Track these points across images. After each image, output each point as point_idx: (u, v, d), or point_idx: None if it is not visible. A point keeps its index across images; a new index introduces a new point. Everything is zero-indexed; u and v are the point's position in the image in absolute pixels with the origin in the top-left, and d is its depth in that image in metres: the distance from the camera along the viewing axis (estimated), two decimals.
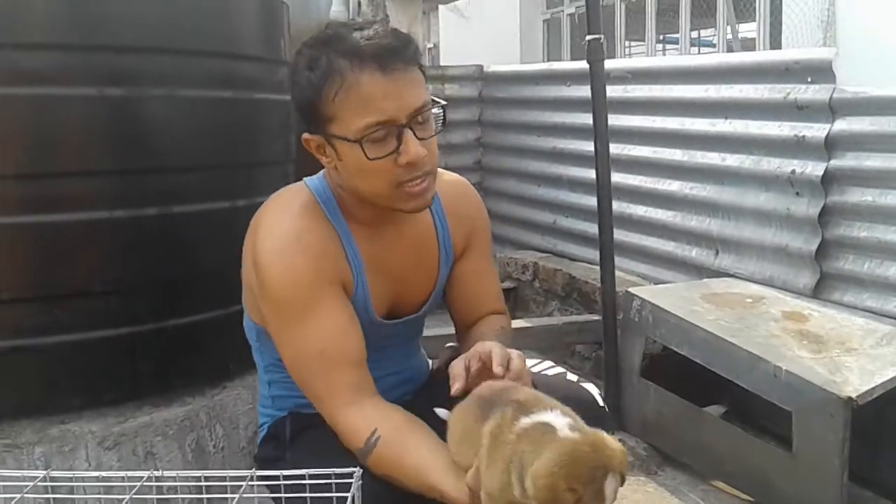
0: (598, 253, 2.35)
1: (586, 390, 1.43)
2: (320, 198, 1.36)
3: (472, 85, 4.01)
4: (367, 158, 1.23)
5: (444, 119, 1.33)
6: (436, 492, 1.17)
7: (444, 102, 1.31)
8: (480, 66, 3.99)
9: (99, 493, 1.04)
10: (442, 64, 6.53)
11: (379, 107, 1.22)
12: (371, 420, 1.25)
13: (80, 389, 1.86)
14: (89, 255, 1.84)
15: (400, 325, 1.49)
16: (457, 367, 1.28)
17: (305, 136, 1.30)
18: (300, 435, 1.41)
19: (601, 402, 1.43)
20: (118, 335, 1.87)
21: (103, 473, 1.03)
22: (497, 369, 1.21)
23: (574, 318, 2.91)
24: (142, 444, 1.86)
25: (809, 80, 2.29)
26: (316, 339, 1.29)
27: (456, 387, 1.24)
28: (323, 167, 1.38)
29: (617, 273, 2.42)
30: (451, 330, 1.60)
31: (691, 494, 2.12)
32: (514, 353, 1.27)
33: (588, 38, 2.33)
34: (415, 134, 1.24)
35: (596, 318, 2.64)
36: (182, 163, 1.93)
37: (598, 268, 2.39)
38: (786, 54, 2.36)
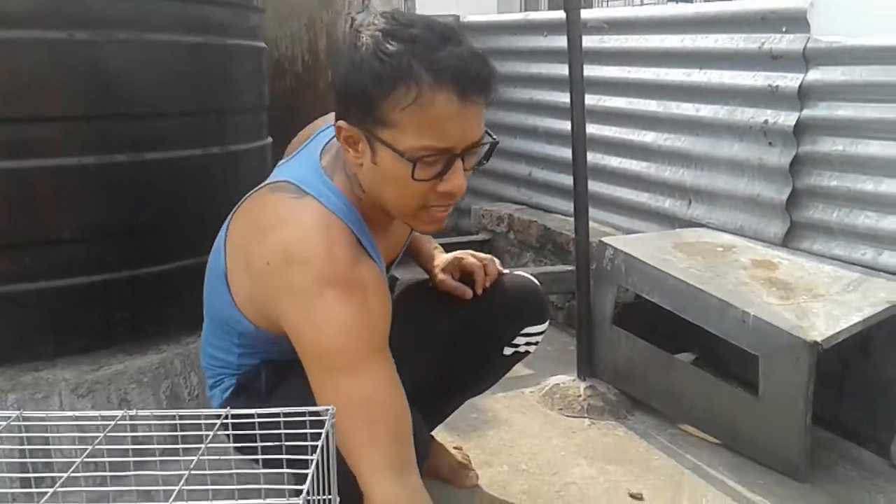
0: (572, 205, 2.36)
1: (533, 281, 1.73)
2: (354, 227, 1.25)
3: None
4: (412, 177, 1.16)
5: (490, 155, 1.26)
6: None
7: (497, 140, 1.25)
8: (457, 17, 3.94)
9: (73, 433, 1.05)
10: (418, 14, 6.44)
11: (444, 133, 1.15)
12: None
13: (53, 337, 1.86)
14: (59, 202, 1.82)
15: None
16: (453, 284, 1.64)
17: (342, 123, 1.19)
18: (279, 384, 1.39)
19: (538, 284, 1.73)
20: (90, 283, 1.87)
21: (77, 413, 1.03)
22: (479, 289, 1.63)
23: (548, 268, 2.93)
24: (116, 392, 1.87)
25: (784, 29, 2.29)
26: (365, 396, 1.17)
27: (468, 295, 1.62)
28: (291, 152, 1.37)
29: (591, 224, 2.43)
30: None
31: (660, 438, 2.17)
32: (486, 257, 1.64)
33: None
34: (463, 164, 1.19)
35: (569, 268, 2.67)
36: (153, 109, 1.91)
37: (572, 219, 2.40)
38: (761, 4, 2.35)
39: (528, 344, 1.73)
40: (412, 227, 1.30)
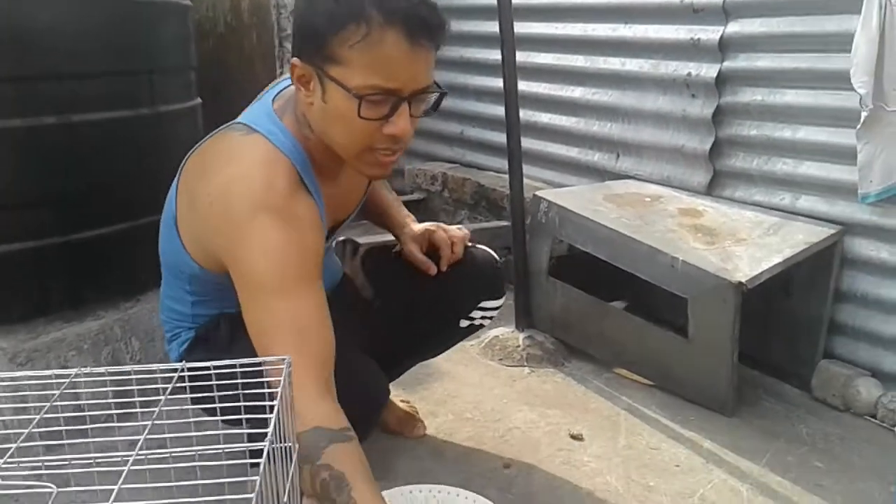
0: (505, 161, 2.40)
1: (493, 256, 1.80)
2: (298, 164, 1.28)
3: None
4: (358, 115, 1.18)
5: (438, 105, 1.29)
6: None
7: (445, 91, 1.27)
8: None
9: (31, 391, 1.04)
10: None
11: (391, 73, 1.17)
12: (346, 421, 1.17)
13: None
14: None
15: (336, 235, 1.56)
16: (420, 258, 1.68)
17: (295, 61, 1.21)
18: (237, 336, 1.33)
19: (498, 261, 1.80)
20: (22, 249, 1.82)
21: (32, 372, 1.03)
22: (443, 267, 1.68)
23: (484, 224, 2.99)
24: (55, 359, 1.84)
25: None
26: (296, 317, 1.19)
27: (433, 271, 1.67)
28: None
29: (524, 180, 2.49)
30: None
31: (596, 382, 2.26)
32: (456, 235, 1.69)
33: None
34: (409, 109, 1.21)
35: (505, 223, 2.72)
36: (78, 68, 1.85)
37: (505, 176, 2.44)
38: None
39: (483, 318, 1.79)
40: (358, 170, 1.31)
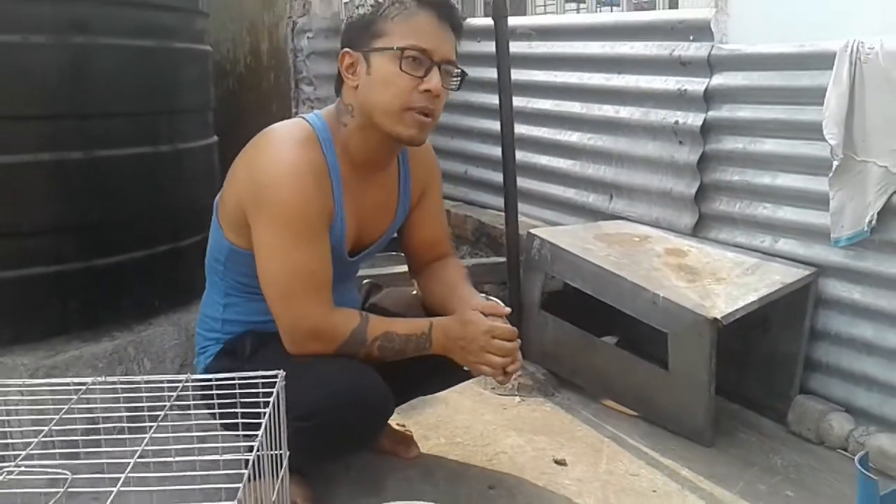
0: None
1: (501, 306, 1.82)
2: (320, 134, 1.57)
3: None
4: (400, 69, 1.50)
5: (460, 85, 1.62)
6: (423, 326, 1.62)
7: (466, 73, 1.61)
8: None
9: (47, 395, 1.18)
10: None
11: (425, 37, 1.52)
12: (352, 313, 1.59)
13: (11, 324, 1.96)
14: (17, 197, 1.92)
15: (358, 259, 1.72)
16: (488, 304, 1.70)
17: (346, 51, 1.56)
18: (260, 350, 1.60)
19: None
20: (47, 273, 1.98)
21: (53, 380, 1.16)
22: None
23: (483, 259, 3.12)
24: (72, 376, 1.97)
25: (691, 38, 2.51)
26: (309, 260, 1.51)
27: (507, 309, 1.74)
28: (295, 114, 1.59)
29: (522, 218, 2.62)
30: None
31: (584, 412, 2.36)
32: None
33: None
34: (440, 75, 1.52)
35: (502, 259, 2.85)
36: (105, 109, 2.02)
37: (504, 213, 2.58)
38: (671, 14, 2.58)
39: None
40: (398, 134, 1.55)
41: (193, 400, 1.23)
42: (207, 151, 2.41)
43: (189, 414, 1.33)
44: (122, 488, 0.92)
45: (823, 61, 2.12)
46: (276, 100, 3.74)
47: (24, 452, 1.02)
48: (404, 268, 1.98)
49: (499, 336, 1.64)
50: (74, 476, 0.96)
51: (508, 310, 1.73)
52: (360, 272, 2.02)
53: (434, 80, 1.52)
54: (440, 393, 2.39)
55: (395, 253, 2.02)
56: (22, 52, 1.87)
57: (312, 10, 3.67)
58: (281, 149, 1.52)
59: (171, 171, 2.21)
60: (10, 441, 1.09)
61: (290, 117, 1.75)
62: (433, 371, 1.86)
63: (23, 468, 0.98)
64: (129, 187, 2.10)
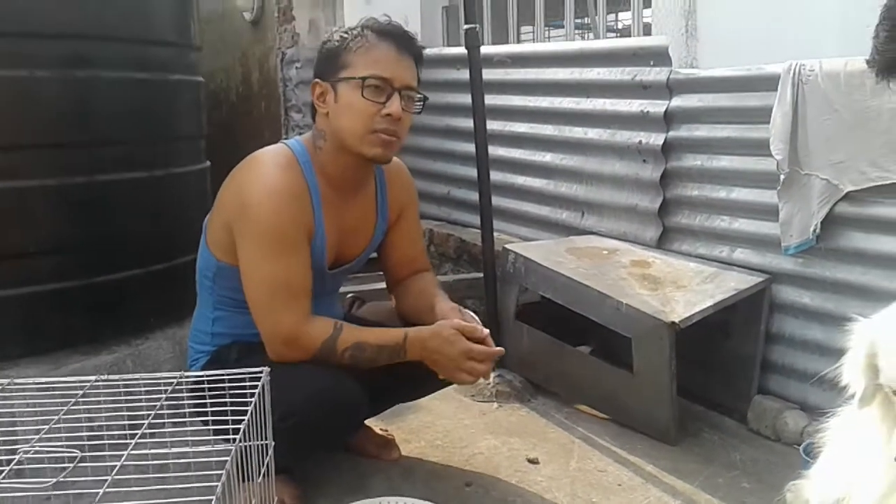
0: None
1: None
2: (300, 158, 1.74)
3: None
4: (362, 96, 1.67)
5: (423, 108, 1.80)
6: (397, 336, 1.75)
7: (427, 97, 1.79)
8: None
9: (55, 391, 1.32)
10: None
11: (384, 66, 1.70)
12: (327, 323, 1.72)
13: (19, 339, 2.10)
14: (24, 220, 2.07)
15: (339, 273, 1.88)
16: (467, 325, 1.83)
17: (316, 81, 1.75)
18: (244, 359, 1.73)
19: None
20: (52, 290, 2.12)
21: (61, 378, 1.31)
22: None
23: (463, 276, 3.26)
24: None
25: (651, 63, 2.68)
26: (287, 272, 1.67)
27: (484, 331, 1.86)
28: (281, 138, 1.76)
29: (500, 235, 2.77)
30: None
31: (557, 416, 2.50)
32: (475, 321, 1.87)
33: (465, 26, 2.66)
34: (401, 101, 1.70)
35: (480, 275, 3.00)
36: (105, 137, 2.18)
37: None
38: (632, 42, 2.75)
39: None
40: (364, 153, 1.72)
41: (186, 399, 1.37)
42: (200, 176, 2.57)
43: (182, 413, 1.48)
44: (120, 488, 1.05)
45: (769, 83, 2.29)
46: (267, 127, 3.90)
47: (36, 437, 1.16)
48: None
49: (474, 358, 1.79)
50: (83, 454, 1.10)
51: (486, 332, 1.86)
52: (344, 289, 2.18)
53: (394, 105, 1.69)
54: (422, 401, 2.53)
55: (378, 273, 2.17)
56: (29, 86, 2.03)
57: (300, 41, 3.86)
58: (264, 172, 1.69)
59: (166, 194, 2.36)
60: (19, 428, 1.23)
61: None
62: (411, 378, 1.98)
63: (37, 448, 1.12)
64: (126, 209, 2.25)
